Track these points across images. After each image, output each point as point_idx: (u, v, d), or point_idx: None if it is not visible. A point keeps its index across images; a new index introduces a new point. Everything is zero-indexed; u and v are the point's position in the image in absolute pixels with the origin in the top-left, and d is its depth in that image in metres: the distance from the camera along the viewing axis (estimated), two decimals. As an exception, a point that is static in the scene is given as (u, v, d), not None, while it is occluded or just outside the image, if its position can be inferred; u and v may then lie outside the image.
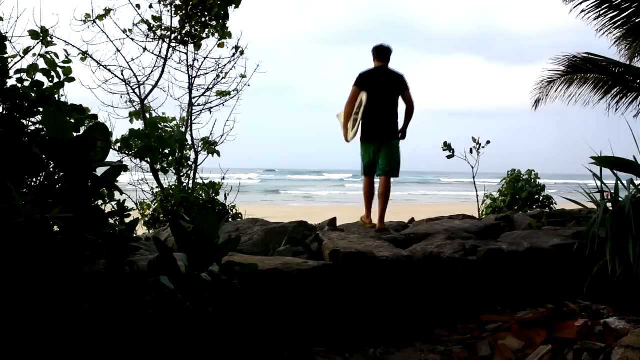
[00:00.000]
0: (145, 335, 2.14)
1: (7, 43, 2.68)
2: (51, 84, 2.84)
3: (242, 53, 7.17)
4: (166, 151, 6.75)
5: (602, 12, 6.78)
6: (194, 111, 7.25)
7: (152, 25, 6.75)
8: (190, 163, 7.21)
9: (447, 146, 8.05)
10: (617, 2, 6.60)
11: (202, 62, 7.15)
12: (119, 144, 6.28)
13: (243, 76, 7.28)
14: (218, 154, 7.16)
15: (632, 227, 3.81)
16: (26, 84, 2.72)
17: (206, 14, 6.61)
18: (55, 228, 2.20)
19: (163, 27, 6.79)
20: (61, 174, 2.33)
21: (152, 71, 6.93)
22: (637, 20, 6.74)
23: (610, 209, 4.14)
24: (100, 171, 2.36)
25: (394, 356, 3.37)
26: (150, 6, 6.66)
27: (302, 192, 36.20)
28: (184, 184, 6.90)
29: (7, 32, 3.17)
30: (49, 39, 3.24)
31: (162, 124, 6.92)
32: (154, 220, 6.16)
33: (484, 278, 4.18)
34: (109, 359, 2.03)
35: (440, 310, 3.99)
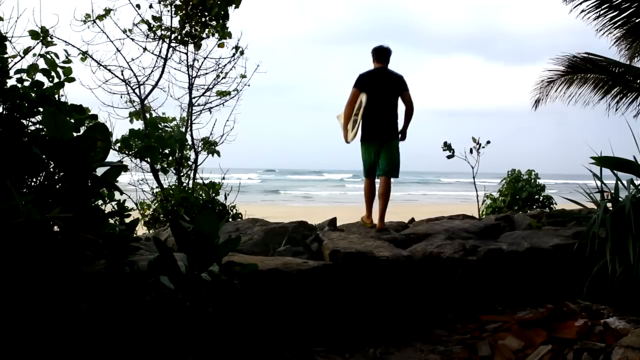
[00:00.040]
0: (145, 335, 2.14)
1: (7, 43, 2.68)
2: (51, 84, 2.84)
3: (242, 53, 7.18)
4: (166, 151, 6.75)
5: (602, 12, 6.78)
6: (194, 111, 7.25)
7: (152, 25, 6.75)
8: (190, 163, 7.21)
9: (447, 146, 8.06)
10: (617, 2, 6.60)
11: (202, 62, 7.16)
12: (119, 144, 6.27)
13: (243, 76, 7.29)
14: (218, 154, 7.16)
15: (632, 227, 3.81)
16: (26, 84, 2.72)
17: (206, 14, 6.61)
18: (55, 228, 2.20)
19: (163, 27, 6.79)
20: (61, 174, 2.33)
21: (152, 71, 6.93)
22: (637, 20, 6.74)
23: (610, 209, 4.14)
24: (100, 171, 2.36)
25: (394, 356, 3.37)
26: (150, 6, 6.66)
27: (302, 192, 36.21)
28: (184, 184, 6.90)
29: (7, 32, 3.17)
30: (49, 39, 3.24)
31: (162, 124, 6.92)
32: (154, 220, 6.16)
33: (484, 278, 4.18)
34: (109, 359, 2.03)
35: (440, 310, 3.99)
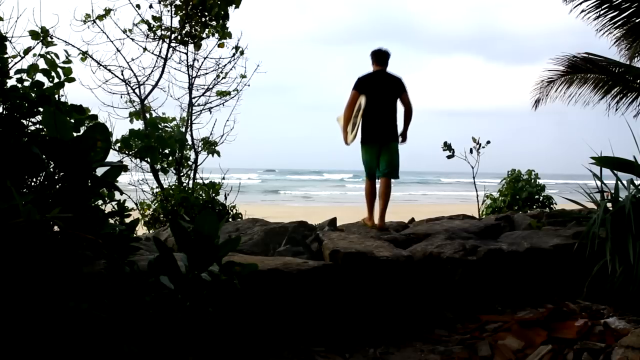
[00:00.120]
0: (145, 335, 2.14)
1: (7, 43, 2.68)
2: (51, 84, 2.84)
3: (242, 53, 7.18)
4: (166, 151, 6.76)
5: (602, 12, 6.78)
6: (194, 111, 7.25)
7: (152, 25, 6.75)
8: (190, 163, 7.21)
9: (447, 146, 8.06)
10: (617, 2, 6.60)
11: (202, 62, 7.17)
12: (119, 144, 6.28)
13: (243, 76, 7.29)
14: (218, 154, 7.16)
15: (632, 227, 3.81)
16: (26, 84, 2.73)
17: (206, 14, 6.61)
18: (55, 228, 2.20)
19: (163, 27, 6.79)
20: (61, 174, 2.33)
21: (152, 71, 6.94)
22: (637, 20, 6.74)
23: (610, 209, 4.14)
24: (100, 171, 2.36)
25: (394, 356, 3.37)
26: (150, 6, 6.67)
27: (302, 192, 36.20)
28: (184, 184, 6.90)
29: (7, 32, 3.18)
30: (49, 39, 3.25)
31: (162, 124, 6.92)
32: (154, 220, 6.16)
33: (484, 278, 4.18)
34: (109, 359, 2.03)
35: (440, 310, 3.99)
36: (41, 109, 2.52)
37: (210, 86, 7.29)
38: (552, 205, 8.16)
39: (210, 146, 7.16)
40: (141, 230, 5.96)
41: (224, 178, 6.76)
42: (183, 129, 7.12)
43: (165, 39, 6.83)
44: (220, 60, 7.18)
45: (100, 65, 6.64)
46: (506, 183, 8.51)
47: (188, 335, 2.31)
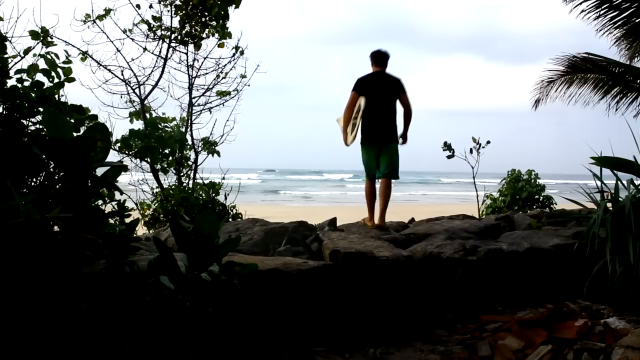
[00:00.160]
0: (145, 335, 2.14)
1: (7, 43, 2.68)
2: (51, 84, 2.84)
3: (242, 53, 7.18)
4: (166, 151, 6.76)
5: (602, 12, 6.78)
6: (194, 111, 7.25)
7: (152, 25, 6.75)
8: (190, 163, 7.21)
9: (447, 146, 8.06)
10: (617, 2, 6.60)
11: (202, 62, 7.17)
12: (119, 144, 6.28)
13: (243, 76, 7.29)
14: (218, 154, 7.16)
15: (632, 227, 3.81)
16: (26, 84, 2.73)
17: (206, 14, 6.61)
18: (55, 228, 2.20)
19: (163, 27, 6.79)
20: (61, 174, 2.33)
21: (152, 71, 6.94)
22: (637, 20, 6.74)
23: (610, 209, 4.14)
24: (100, 171, 2.36)
25: (394, 356, 3.37)
26: (150, 6, 6.67)
27: (302, 192, 36.20)
28: (184, 184, 6.90)
29: (7, 32, 3.18)
30: (49, 39, 3.26)
31: (162, 124, 6.92)
32: (154, 220, 6.16)
33: (484, 278, 4.18)
34: (109, 359, 2.03)
35: (440, 310, 3.99)
36: (41, 109, 2.52)
37: (210, 86, 7.30)
38: (552, 205, 8.16)
39: (210, 146, 7.16)
40: (141, 230, 5.96)
41: (224, 178, 6.76)
42: (183, 129, 7.12)
43: (165, 39, 6.83)
44: (220, 60, 7.20)
45: (100, 65, 6.64)
46: (506, 183, 8.51)
47: (188, 335, 2.31)
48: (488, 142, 8.12)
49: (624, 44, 7.23)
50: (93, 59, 6.56)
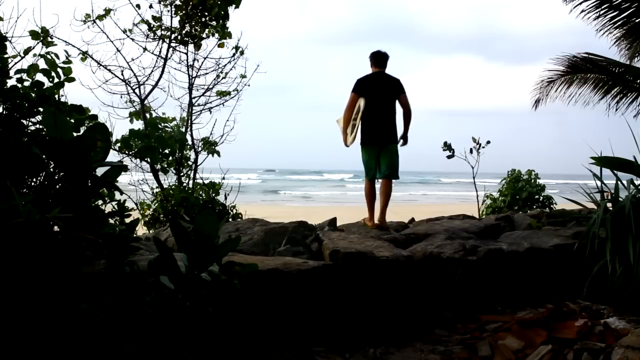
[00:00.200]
0: (145, 335, 2.14)
1: (7, 43, 2.68)
2: (51, 84, 2.84)
3: (242, 53, 7.19)
4: (166, 151, 6.76)
5: (602, 12, 6.78)
6: (194, 111, 7.26)
7: (152, 25, 6.75)
8: (190, 163, 7.21)
9: (447, 146, 8.06)
10: (617, 2, 6.60)
11: (202, 62, 7.17)
12: (119, 144, 6.28)
13: (243, 76, 7.30)
14: (218, 154, 7.17)
15: (632, 227, 3.81)
16: (26, 84, 2.73)
17: (206, 14, 6.61)
18: (55, 228, 2.20)
19: (163, 27, 6.80)
20: (61, 174, 2.33)
21: (152, 71, 6.94)
22: (637, 20, 6.74)
23: (610, 209, 4.14)
24: (100, 171, 2.36)
25: (394, 356, 3.37)
26: (150, 6, 6.67)
27: (302, 192, 36.19)
28: (184, 184, 6.90)
29: (7, 32, 3.18)
30: (49, 39, 3.25)
31: (162, 124, 6.93)
32: (154, 220, 6.16)
33: (484, 278, 4.18)
34: (109, 359, 2.03)
35: (440, 310, 3.99)
36: (41, 109, 2.52)
37: (210, 86, 7.30)
38: (552, 205, 8.16)
39: (210, 146, 7.16)
40: (141, 230, 5.96)
41: (224, 178, 6.77)
42: (183, 129, 7.12)
43: (165, 39, 6.84)
44: (220, 60, 7.20)
45: (100, 65, 6.65)
46: (506, 183, 8.52)
47: (188, 335, 2.31)
48: (488, 142, 8.13)
49: (624, 44, 7.23)
50: (93, 59, 6.57)
